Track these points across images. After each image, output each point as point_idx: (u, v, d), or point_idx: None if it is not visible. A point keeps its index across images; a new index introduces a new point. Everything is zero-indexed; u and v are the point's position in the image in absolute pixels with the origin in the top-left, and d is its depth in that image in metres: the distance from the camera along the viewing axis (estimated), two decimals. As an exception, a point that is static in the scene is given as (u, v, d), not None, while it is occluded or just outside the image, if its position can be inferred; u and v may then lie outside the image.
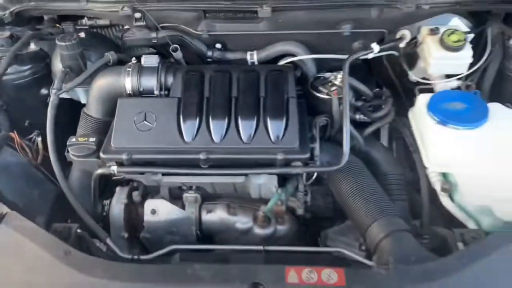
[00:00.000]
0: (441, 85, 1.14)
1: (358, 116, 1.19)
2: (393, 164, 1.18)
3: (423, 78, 1.19)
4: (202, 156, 1.01)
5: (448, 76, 1.16)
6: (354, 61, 1.20)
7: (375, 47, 1.12)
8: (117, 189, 1.15)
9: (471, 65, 1.15)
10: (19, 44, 1.19)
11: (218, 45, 1.22)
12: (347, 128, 1.02)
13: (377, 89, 1.25)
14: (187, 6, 1.14)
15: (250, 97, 1.07)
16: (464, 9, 1.16)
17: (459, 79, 1.14)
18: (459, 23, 1.20)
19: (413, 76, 1.20)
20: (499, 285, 0.77)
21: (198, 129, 1.04)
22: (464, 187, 0.97)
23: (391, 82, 1.31)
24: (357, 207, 1.01)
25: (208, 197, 1.15)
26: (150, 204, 1.11)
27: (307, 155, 1.02)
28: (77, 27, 1.26)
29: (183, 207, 1.13)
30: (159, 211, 1.11)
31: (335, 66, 1.18)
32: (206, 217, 1.12)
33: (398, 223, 0.96)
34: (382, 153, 1.19)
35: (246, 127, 1.03)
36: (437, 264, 0.80)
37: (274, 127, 1.03)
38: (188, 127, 1.04)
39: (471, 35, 1.19)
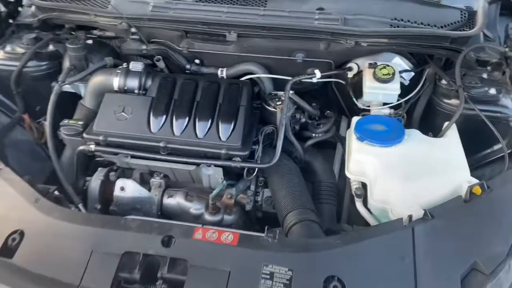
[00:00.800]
0: (375, 112, 1.34)
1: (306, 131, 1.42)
2: (329, 173, 1.37)
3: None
4: (162, 144, 1.24)
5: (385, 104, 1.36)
6: (312, 86, 1.43)
7: (317, 73, 1.34)
8: (99, 169, 1.40)
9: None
10: (40, 44, 1.49)
11: (196, 61, 1.48)
12: (281, 134, 1.25)
13: (328, 111, 1.47)
14: (172, 26, 1.40)
15: (209, 102, 1.30)
16: (398, 49, 1.37)
17: (391, 107, 1.34)
18: (400, 62, 1.41)
19: (357, 103, 1.41)
20: (359, 262, 0.95)
21: (163, 123, 1.28)
22: (371, 193, 1.15)
23: (350, 106, 1.51)
24: (280, 199, 1.21)
25: (172, 185, 1.38)
26: (120, 182, 1.35)
27: (247, 153, 1.24)
28: (88, 35, 1.56)
29: (149, 190, 1.37)
30: (127, 188, 1.35)
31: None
32: (167, 200, 1.35)
33: (310, 214, 1.16)
34: (320, 163, 1.39)
35: (201, 125, 1.27)
36: (317, 241, 0.99)
37: (224, 128, 1.26)
38: (155, 121, 1.28)
39: (411, 73, 1.40)
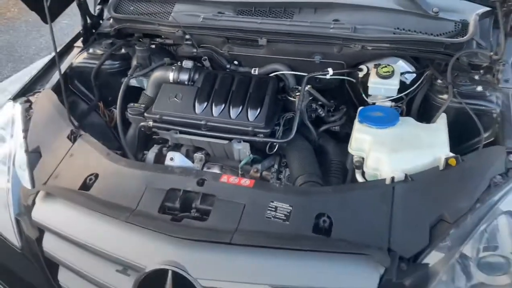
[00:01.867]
0: (378, 104, 1.62)
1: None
2: (339, 154, 1.65)
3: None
4: (203, 122, 1.59)
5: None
6: (330, 85, 1.74)
7: (330, 71, 1.64)
8: (154, 145, 1.76)
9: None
10: (114, 47, 1.90)
11: (235, 62, 1.83)
12: (296, 117, 1.56)
13: (342, 105, 1.77)
14: (216, 33, 1.77)
15: (241, 92, 1.64)
16: (400, 54, 1.64)
17: (392, 100, 1.61)
18: (403, 65, 1.69)
19: (366, 99, 1.68)
20: (345, 205, 1.23)
21: (205, 107, 1.63)
22: (365, 164, 1.42)
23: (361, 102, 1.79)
24: (293, 168, 1.51)
25: (212, 160, 1.71)
26: (170, 154, 1.69)
27: (268, 131, 1.55)
28: (152, 42, 1.96)
29: (193, 162, 1.70)
30: (175, 159, 1.69)
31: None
32: (205, 170, 1.68)
33: (315, 178, 1.44)
34: (332, 147, 1.67)
35: (234, 109, 1.60)
36: (314, 189, 1.28)
37: (251, 111, 1.58)
38: (199, 105, 1.63)
39: (413, 75, 1.67)
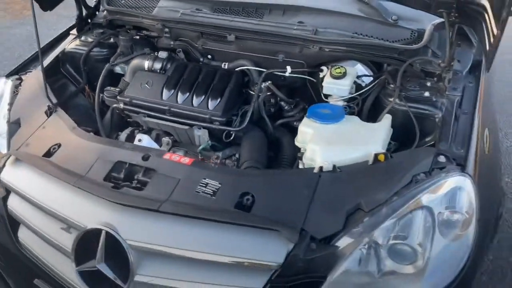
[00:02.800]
0: (332, 102, 1.72)
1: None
2: (292, 147, 1.75)
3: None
4: (167, 107, 1.73)
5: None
6: (295, 84, 1.85)
7: (289, 69, 1.76)
8: (129, 127, 1.91)
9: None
10: (102, 36, 2.07)
11: (209, 56, 1.97)
12: (250, 108, 1.68)
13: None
14: (192, 28, 1.91)
15: (206, 83, 1.77)
16: (358, 57, 1.73)
17: (345, 100, 1.70)
18: (361, 68, 1.78)
19: (324, 98, 1.78)
20: (269, 186, 1.34)
21: (171, 94, 1.77)
22: (304, 155, 1.52)
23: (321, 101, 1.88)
24: (243, 153, 1.63)
25: (180, 146, 1.85)
26: (139, 135, 1.84)
27: (224, 119, 1.67)
28: (138, 33, 2.12)
29: (160, 146, 1.84)
30: (143, 141, 1.83)
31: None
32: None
33: (257, 165, 1.56)
34: (287, 139, 1.77)
35: (197, 98, 1.73)
36: (244, 170, 1.40)
37: (212, 101, 1.71)
38: (166, 92, 1.77)
39: (370, 78, 1.76)
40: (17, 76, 1.96)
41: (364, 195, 1.32)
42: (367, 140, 1.49)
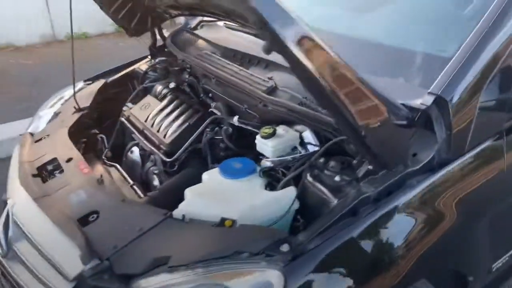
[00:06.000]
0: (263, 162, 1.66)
1: None
2: None
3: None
4: (141, 128, 2.00)
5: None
6: None
7: (235, 119, 1.79)
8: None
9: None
10: (156, 62, 2.48)
11: (209, 94, 2.13)
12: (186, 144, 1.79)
13: None
14: (198, 68, 2.12)
15: (177, 115, 1.96)
16: (300, 121, 1.64)
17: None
18: (308, 135, 1.66)
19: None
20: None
21: (152, 117, 2.02)
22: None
23: None
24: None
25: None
26: (132, 148, 2.16)
27: (168, 150, 1.85)
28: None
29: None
30: (134, 152, 2.14)
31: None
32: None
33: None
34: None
35: (164, 125, 1.94)
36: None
37: (170, 132, 1.90)
38: (151, 115, 2.04)
39: (315, 147, 1.63)
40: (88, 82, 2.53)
41: (184, 252, 1.31)
42: (238, 203, 1.44)
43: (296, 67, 1.17)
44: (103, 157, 2.04)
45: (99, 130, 2.23)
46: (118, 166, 1.96)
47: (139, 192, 1.76)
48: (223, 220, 1.36)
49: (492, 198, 1.61)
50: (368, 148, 1.30)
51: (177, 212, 1.42)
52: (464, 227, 1.51)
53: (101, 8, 2.12)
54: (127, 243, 1.35)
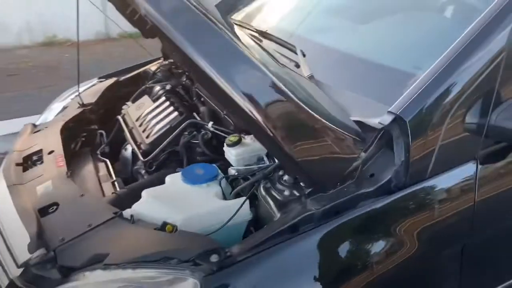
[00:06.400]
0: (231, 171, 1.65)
1: None
2: None
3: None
4: (131, 127, 2.06)
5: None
6: None
7: (210, 124, 1.79)
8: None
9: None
10: (164, 65, 2.54)
11: (201, 99, 2.16)
12: (160, 147, 1.82)
13: None
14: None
15: (161, 118, 2.00)
16: None
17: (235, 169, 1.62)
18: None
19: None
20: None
21: (142, 117, 2.08)
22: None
23: None
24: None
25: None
26: (127, 146, 2.23)
27: (146, 149, 1.88)
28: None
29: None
30: (127, 150, 2.21)
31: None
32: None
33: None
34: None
35: (150, 129, 1.99)
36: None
37: (153, 134, 1.94)
38: (143, 114, 2.10)
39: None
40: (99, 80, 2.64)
41: (122, 251, 1.32)
42: (187, 210, 1.45)
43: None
44: (98, 152, 2.12)
45: (103, 126, 2.32)
46: (108, 162, 2.02)
47: (117, 188, 1.81)
48: (164, 224, 1.37)
49: (458, 233, 1.49)
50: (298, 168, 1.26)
51: (127, 212, 1.45)
52: (425, 259, 1.42)
53: (118, 11, 2.20)
54: (74, 237, 1.40)
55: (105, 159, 2.05)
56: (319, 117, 1.23)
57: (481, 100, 1.39)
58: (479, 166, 1.43)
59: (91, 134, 2.28)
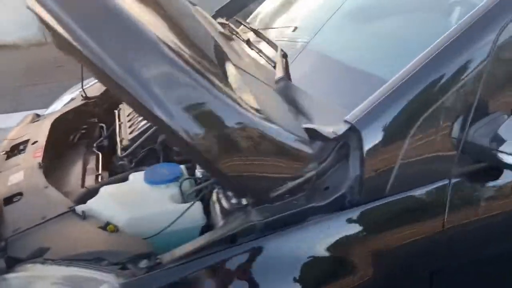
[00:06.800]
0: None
1: None
2: None
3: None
4: (121, 122, 2.06)
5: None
6: None
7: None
8: None
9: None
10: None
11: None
12: (133, 147, 1.80)
13: None
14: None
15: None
16: None
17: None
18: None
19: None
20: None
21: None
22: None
23: None
24: None
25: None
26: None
27: (126, 145, 1.86)
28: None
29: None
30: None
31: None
32: None
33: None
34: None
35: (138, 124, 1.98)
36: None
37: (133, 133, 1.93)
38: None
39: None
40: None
41: (64, 247, 1.31)
42: (135, 210, 1.41)
43: None
44: (94, 145, 2.14)
45: (106, 120, 2.34)
46: (100, 155, 2.04)
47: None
48: (107, 224, 1.35)
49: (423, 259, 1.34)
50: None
51: (79, 208, 1.44)
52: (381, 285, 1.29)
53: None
54: (27, 228, 1.41)
55: (98, 152, 2.06)
56: (256, 127, 1.15)
57: (456, 113, 1.24)
58: (451, 187, 1.28)
59: (92, 127, 2.31)
